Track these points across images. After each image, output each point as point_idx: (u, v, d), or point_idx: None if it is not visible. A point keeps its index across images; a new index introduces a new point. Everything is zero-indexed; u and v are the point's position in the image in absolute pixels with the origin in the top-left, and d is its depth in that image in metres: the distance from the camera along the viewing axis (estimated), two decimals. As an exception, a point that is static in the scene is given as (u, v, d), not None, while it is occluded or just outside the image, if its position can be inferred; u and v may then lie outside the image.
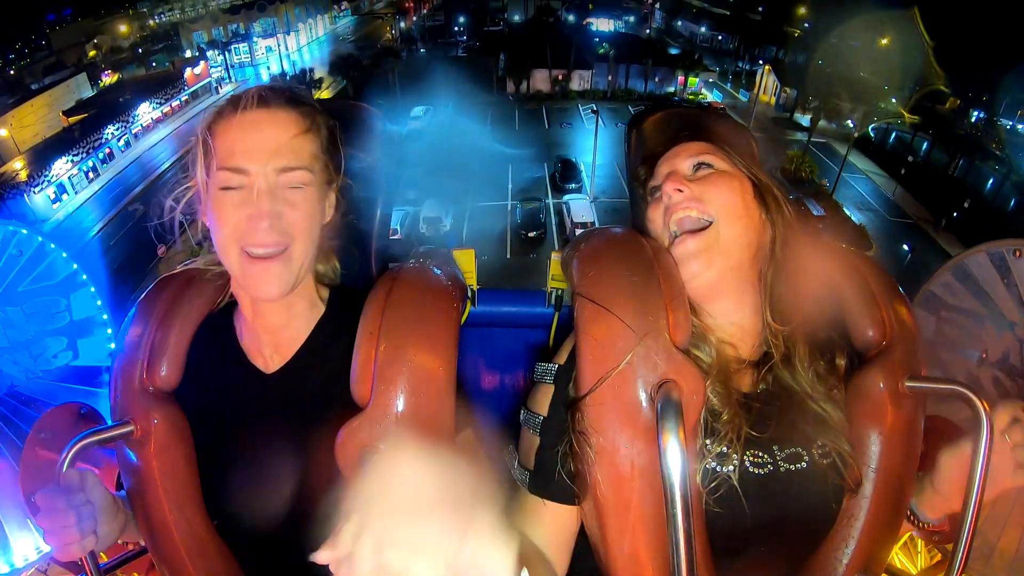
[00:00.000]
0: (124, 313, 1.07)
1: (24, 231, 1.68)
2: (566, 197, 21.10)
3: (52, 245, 1.71)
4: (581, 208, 19.94)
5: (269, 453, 0.95)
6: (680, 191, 0.94)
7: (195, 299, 1.03)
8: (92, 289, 1.76)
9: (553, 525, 0.93)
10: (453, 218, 19.26)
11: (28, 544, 1.58)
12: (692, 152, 0.99)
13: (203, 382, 1.01)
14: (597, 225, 18.22)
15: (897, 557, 1.79)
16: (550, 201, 21.50)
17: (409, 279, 0.94)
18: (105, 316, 1.77)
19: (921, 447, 0.97)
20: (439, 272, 0.99)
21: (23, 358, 1.68)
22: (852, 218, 20.37)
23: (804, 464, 0.90)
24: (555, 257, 1.49)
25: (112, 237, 21.02)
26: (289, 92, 0.95)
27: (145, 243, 18.23)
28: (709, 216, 0.93)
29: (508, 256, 18.74)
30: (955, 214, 19.93)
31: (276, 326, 0.99)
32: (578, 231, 16.44)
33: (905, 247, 18.81)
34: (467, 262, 1.43)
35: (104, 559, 1.24)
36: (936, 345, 1.49)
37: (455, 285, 0.98)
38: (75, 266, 1.74)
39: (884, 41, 24.85)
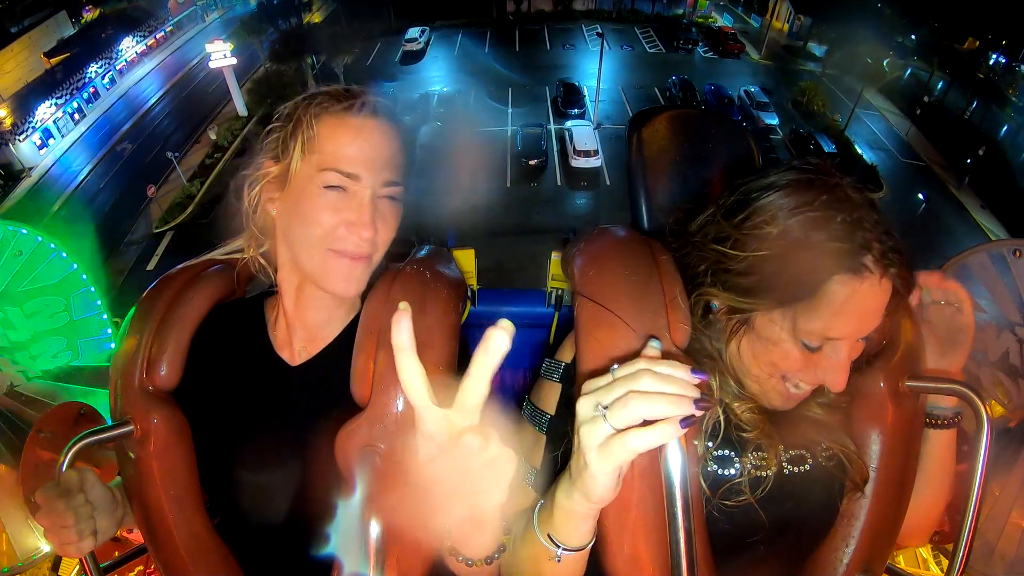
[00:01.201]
0: (124, 312, 1.07)
1: (24, 231, 1.68)
2: (568, 123, 20.10)
3: (52, 245, 1.71)
4: (584, 135, 19.09)
5: (273, 449, 0.95)
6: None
7: (197, 297, 1.03)
8: (92, 289, 1.76)
9: None
10: (451, 147, 18.21)
11: (28, 543, 1.58)
12: (871, 332, 0.81)
13: (215, 374, 1.01)
14: (600, 152, 16.88)
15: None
16: (552, 127, 20.63)
17: (409, 279, 0.94)
18: (105, 316, 1.78)
19: (921, 447, 0.97)
20: (439, 272, 0.99)
21: (23, 358, 1.69)
22: (864, 157, 19.49)
23: (808, 466, 0.90)
24: (555, 257, 1.49)
25: (101, 179, 20.45)
26: (389, 105, 0.97)
27: (135, 183, 17.95)
28: None
29: (508, 185, 17.97)
30: (968, 160, 18.95)
31: (316, 323, 1.00)
32: (580, 159, 15.82)
33: (920, 196, 18.00)
34: (467, 262, 1.43)
35: (104, 560, 1.24)
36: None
37: (455, 285, 0.98)
38: (75, 266, 1.74)
39: None
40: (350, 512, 0.81)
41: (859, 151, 19.87)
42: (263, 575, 1.02)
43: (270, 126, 0.96)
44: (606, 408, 0.60)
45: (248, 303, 1.07)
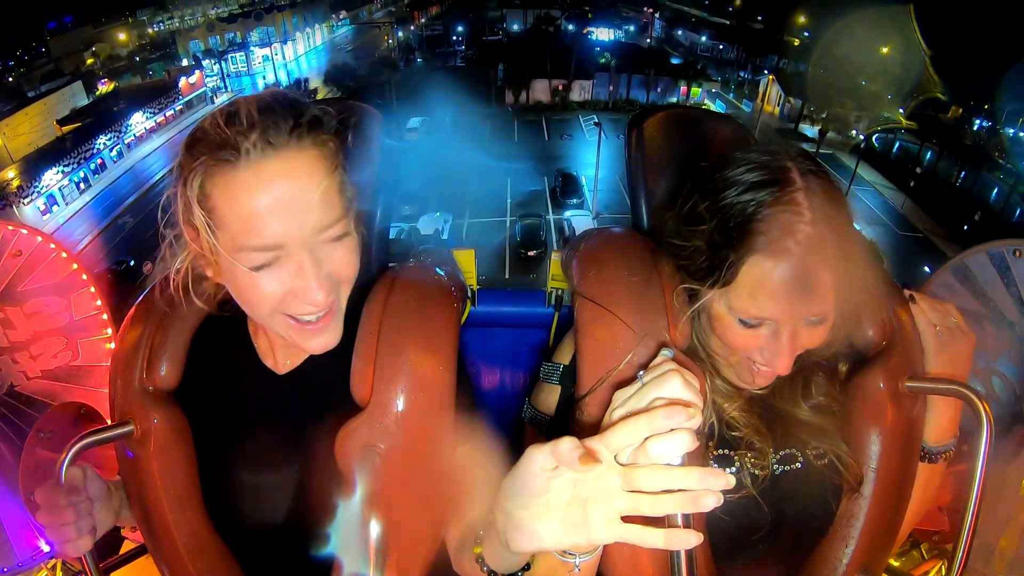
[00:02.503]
0: (124, 313, 1.06)
1: (24, 231, 1.68)
2: (567, 213, 20.33)
3: (52, 245, 1.71)
4: (583, 225, 18.84)
5: (271, 452, 0.95)
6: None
7: (195, 298, 1.03)
8: (92, 289, 1.76)
9: None
10: (450, 235, 18.54)
11: (28, 543, 1.58)
12: (814, 314, 0.80)
13: (209, 380, 1.00)
14: None
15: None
16: (550, 217, 20.84)
17: (409, 279, 0.94)
18: (105, 316, 1.77)
19: (921, 447, 0.97)
20: (439, 272, 0.99)
21: (23, 358, 1.68)
22: (863, 233, 19.75)
23: (799, 465, 0.90)
24: (555, 257, 1.49)
25: (100, 251, 20.51)
26: (295, 116, 0.75)
27: (134, 258, 17.79)
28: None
29: (507, 276, 18.08)
30: (966, 227, 19.59)
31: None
32: None
33: (926, 269, 18.29)
34: (467, 262, 1.43)
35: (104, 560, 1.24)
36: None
37: (455, 285, 0.98)
38: (75, 266, 1.74)
39: (884, 50, 24.82)
40: (350, 512, 0.81)
41: (857, 228, 20.10)
42: (263, 575, 1.02)
43: (167, 192, 0.80)
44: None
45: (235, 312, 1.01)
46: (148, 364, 0.98)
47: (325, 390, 0.94)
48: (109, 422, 0.99)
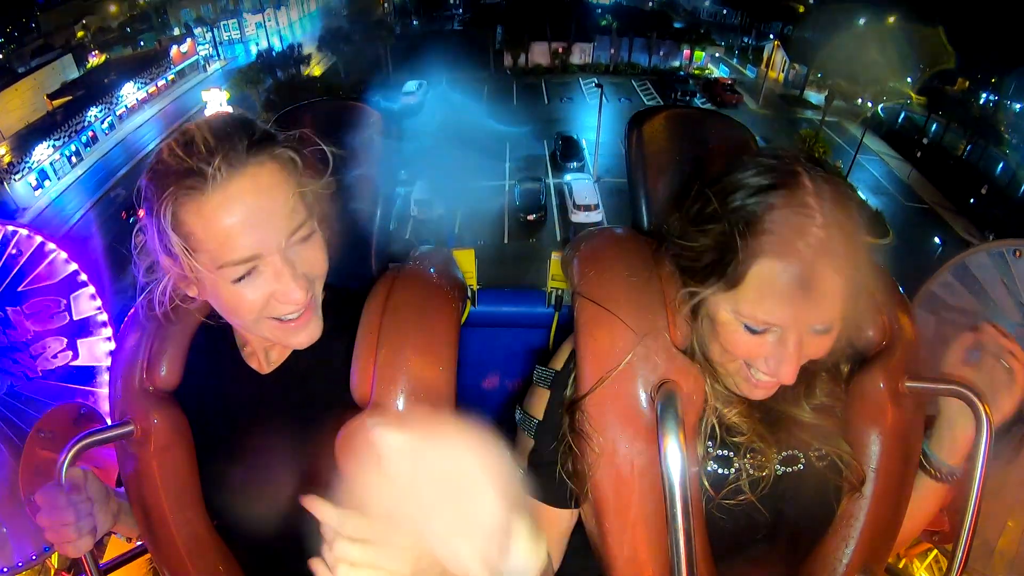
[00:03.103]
0: (123, 314, 1.06)
1: (24, 231, 1.68)
2: (567, 177, 19.81)
3: (52, 245, 1.71)
4: (584, 189, 18.67)
5: (267, 453, 0.95)
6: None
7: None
8: (92, 289, 1.76)
9: (548, 523, 0.93)
10: (446, 200, 17.67)
11: (27, 543, 1.58)
12: (821, 322, 0.79)
13: (202, 383, 1.00)
14: (601, 207, 16.46)
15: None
16: (550, 181, 20.23)
17: (409, 279, 0.94)
18: (105, 316, 1.78)
19: (921, 447, 0.97)
20: (439, 272, 0.99)
21: (23, 358, 1.69)
22: (868, 202, 19.37)
23: (801, 466, 0.90)
24: (555, 257, 1.49)
25: (92, 224, 20.24)
26: (248, 136, 0.79)
27: (125, 229, 17.81)
28: None
29: (505, 241, 17.56)
30: (972, 200, 19.30)
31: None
32: (581, 213, 15.36)
33: (937, 240, 18.00)
34: (467, 262, 1.43)
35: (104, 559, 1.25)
36: (936, 345, 1.49)
37: (455, 285, 0.98)
38: (75, 266, 1.74)
39: (891, 19, 24.33)
40: (350, 512, 0.80)
41: (863, 197, 19.73)
42: (263, 575, 1.03)
43: (137, 227, 0.85)
44: None
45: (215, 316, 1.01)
46: (148, 364, 0.98)
47: (309, 387, 0.95)
48: (109, 422, 0.99)
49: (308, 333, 0.89)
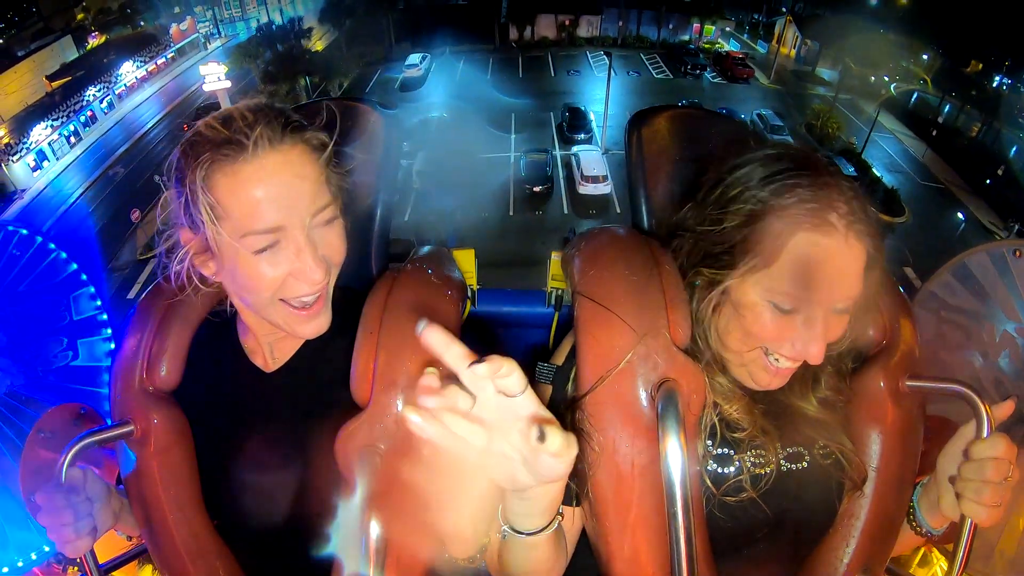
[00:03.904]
0: (123, 314, 1.06)
1: (24, 231, 1.68)
2: (575, 148, 19.08)
3: (52, 245, 1.71)
4: (592, 160, 17.91)
5: (267, 452, 0.95)
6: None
7: (194, 300, 1.03)
8: (92, 289, 1.76)
9: None
10: (449, 172, 16.86)
11: (27, 544, 1.58)
12: (847, 298, 0.80)
13: (203, 381, 1.00)
14: (610, 178, 15.93)
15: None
16: (557, 153, 19.66)
17: (409, 279, 0.94)
18: (105, 316, 1.78)
19: (922, 447, 0.97)
20: (439, 272, 0.99)
21: (23, 358, 1.69)
22: (883, 180, 19.06)
23: (805, 464, 0.90)
24: (555, 257, 1.49)
25: (91, 203, 20.07)
26: (284, 118, 0.84)
27: (123, 208, 17.45)
28: None
29: (511, 213, 17.01)
30: (988, 181, 19.08)
31: (281, 332, 0.97)
32: (589, 185, 14.75)
33: (960, 215, 17.80)
34: (467, 262, 1.43)
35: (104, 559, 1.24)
36: (936, 345, 1.49)
37: (455, 285, 0.99)
38: (75, 266, 1.74)
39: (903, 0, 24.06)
40: (350, 512, 0.81)
41: (878, 174, 19.55)
42: (263, 575, 1.03)
43: (164, 194, 0.87)
44: None
45: (220, 314, 1.03)
46: (148, 364, 0.98)
47: (312, 385, 0.95)
48: (109, 422, 0.99)
49: (318, 324, 0.90)
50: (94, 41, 32.38)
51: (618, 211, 17.01)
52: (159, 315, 1.00)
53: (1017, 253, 1.33)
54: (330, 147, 0.87)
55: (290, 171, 0.81)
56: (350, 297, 0.97)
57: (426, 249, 1.12)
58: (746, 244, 0.80)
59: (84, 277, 1.75)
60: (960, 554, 0.87)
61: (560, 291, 1.55)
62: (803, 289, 0.77)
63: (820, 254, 0.76)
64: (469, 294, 1.48)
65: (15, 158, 21.09)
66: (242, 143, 0.79)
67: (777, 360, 0.83)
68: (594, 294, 0.86)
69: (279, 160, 0.81)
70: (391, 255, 1.15)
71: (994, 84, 24.07)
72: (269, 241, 0.81)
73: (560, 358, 0.95)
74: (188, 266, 0.88)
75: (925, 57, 24.24)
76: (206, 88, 21.71)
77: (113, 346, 1.76)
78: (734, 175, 0.83)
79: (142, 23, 35.48)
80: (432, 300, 0.92)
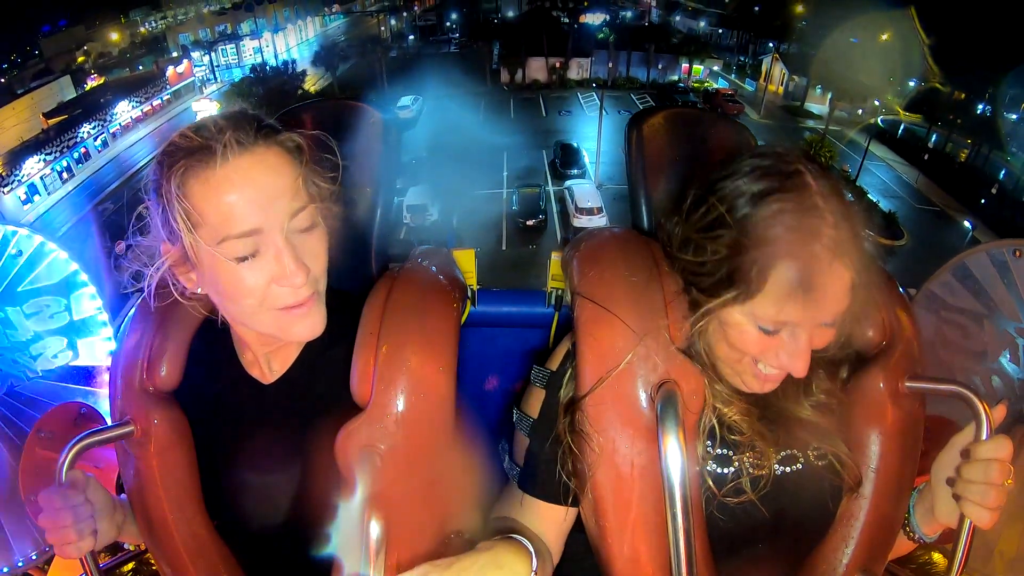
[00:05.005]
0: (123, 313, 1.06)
1: (24, 231, 1.68)
2: (569, 182, 19.30)
3: (52, 245, 1.71)
4: (586, 192, 18.01)
5: (267, 456, 0.95)
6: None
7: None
8: (92, 289, 1.76)
9: (542, 518, 0.94)
10: (441, 207, 17.37)
11: (26, 544, 1.58)
12: (832, 316, 0.80)
13: (203, 383, 1.00)
14: (604, 211, 16.03)
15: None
16: (550, 188, 19.86)
17: (409, 280, 0.94)
18: (105, 316, 1.77)
19: (921, 447, 0.97)
20: (439, 272, 0.99)
21: (23, 358, 1.68)
22: (880, 205, 19.62)
23: (800, 466, 0.90)
24: (555, 257, 1.49)
25: (77, 239, 19.60)
26: (256, 122, 0.83)
27: (112, 239, 17.12)
28: None
29: (504, 248, 17.14)
30: (983, 201, 19.70)
31: (277, 343, 0.96)
32: (583, 217, 14.87)
33: (967, 223, 18.26)
34: (467, 262, 1.42)
35: (104, 559, 1.25)
36: (936, 345, 1.49)
37: (455, 285, 0.98)
38: (75, 266, 1.74)
39: (884, 37, 24.94)
40: (350, 512, 0.81)
41: (874, 199, 19.91)
42: (263, 575, 1.03)
43: (140, 207, 0.86)
44: None
45: (216, 323, 1.00)
46: (148, 364, 0.98)
47: (314, 395, 0.94)
48: (109, 422, 0.99)
49: (310, 324, 0.87)
50: (92, 83, 32.96)
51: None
52: (159, 315, 1.00)
53: (1017, 253, 1.33)
54: (305, 149, 0.86)
55: (264, 173, 0.80)
56: (345, 301, 0.96)
57: (426, 249, 1.12)
58: (731, 277, 0.79)
59: (84, 277, 1.75)
60: (960, 554, 0.87)
61: (560, 291, 1.55)
62: (785, 316, 0.77)
63: (805, 282, 0.75)
64: (469, 294, 1.48)
65: (6, 190, 21.29)
66: (213, 148, 0.78)
67: (765, 368, 0.83)
68: (594, 295, 0.86)
69: (252, 162, 0.80)
70: (391, 256, 1.15)
71: (977, 111, 24.86)
72: (248, 248, 0.80)
73: (555, 363, 0.96)
74: (169, 280, 0.87)
75: (912, 84, 25.20)
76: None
77: (113, 346, 1.76)
78: (718, 193, 0.81)
79: (140, 67, 36.14)
80: (432, 300, 0.92)
